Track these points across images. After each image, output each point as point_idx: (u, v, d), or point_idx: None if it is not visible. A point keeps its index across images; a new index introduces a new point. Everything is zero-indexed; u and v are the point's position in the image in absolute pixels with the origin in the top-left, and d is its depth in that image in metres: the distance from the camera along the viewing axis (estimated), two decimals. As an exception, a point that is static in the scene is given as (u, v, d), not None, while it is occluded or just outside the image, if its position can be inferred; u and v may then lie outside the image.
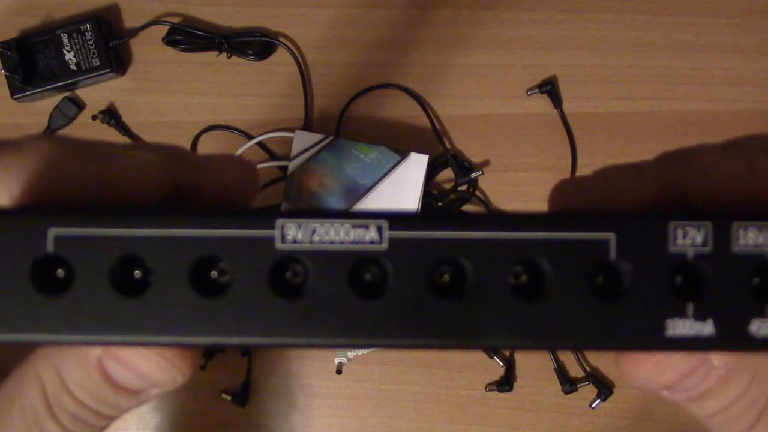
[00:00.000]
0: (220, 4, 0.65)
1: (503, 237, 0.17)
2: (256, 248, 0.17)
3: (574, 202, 0.21)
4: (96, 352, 0.18)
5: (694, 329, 0.17)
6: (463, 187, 0.63)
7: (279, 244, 0.17)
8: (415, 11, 0.65)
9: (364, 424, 0.63)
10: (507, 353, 0.63)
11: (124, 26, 0.65)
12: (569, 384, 0.62)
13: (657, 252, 0.17)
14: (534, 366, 0.63)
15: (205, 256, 0.17)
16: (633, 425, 0.63)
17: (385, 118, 0.64)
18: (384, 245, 0.17)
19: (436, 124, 0.64)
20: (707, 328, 0.17)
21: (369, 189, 0.62)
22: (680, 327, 0.17)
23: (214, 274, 0.17)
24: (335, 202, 0.62)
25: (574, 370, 0.63)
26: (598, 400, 0.62)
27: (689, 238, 0.17)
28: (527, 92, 0.64)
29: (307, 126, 0.64)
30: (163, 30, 0.64)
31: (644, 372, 0.19)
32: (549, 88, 0.63)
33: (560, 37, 0.65)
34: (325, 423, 0.63)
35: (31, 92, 0.62)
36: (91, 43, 0.62)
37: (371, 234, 0.17)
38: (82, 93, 0.65)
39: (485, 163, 0.64)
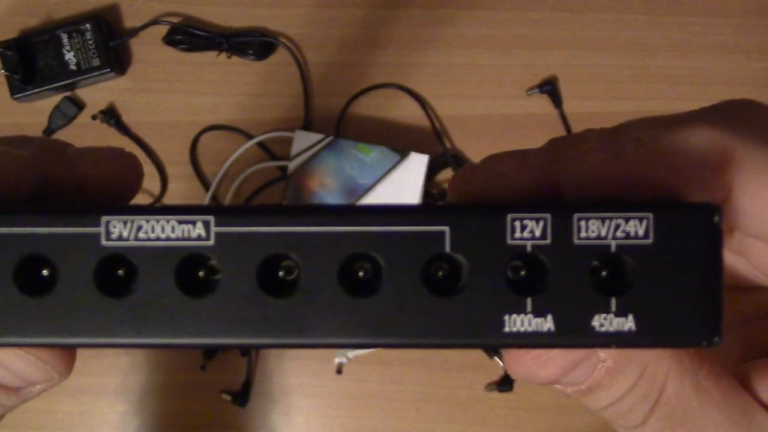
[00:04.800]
0: (220, 4, 0.65)
1: (334, 231, 0.17)
2: (81, 246, 0.17)
3: (465, 191, 0.20)
4: None
5: (533, 325, 0.17)
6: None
7: (104, 242, 0.17)
8: (416, 11, 0.65)
9: (364, 424, 0.63)
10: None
11: (124, 26, 0.65)
12: (569, 384, 0.62)
13: (494, 245, 0.17)
14: (534, 366, 0.63)
15: (32, 254, 0.17)
16: (633, 425, 0.63)
17: (385, 118, 0.64)
18: (211, 241, 0.17)
19: (436, 124, 0.64)
20: (547, 324, 0.17)
21: (369, 189, 0.62)
22: (518, 323, 0.17)
23: (45, 272, 0.17)
24: (335, 202, 0.62)
25: (574, 370, 0.63)
26: (598, 400, 0.62)
27: (528, 231, 0.16)
28: (527, 92, 0.64)
29: (307, 126, 0.64)
30: (163, 30, 0.64)
31: (524, 367, 0.18)
32: (549, 88, 0.63)
33: (560, 37, 0.65)
34: (325, 423, 0.63)
35: (31, 92, 0.62)
36: (91, 43, 0.62)
37: (198, 230, 0.17)
38: (82, 93, 0.65)
39: (485, 163, 0.64)
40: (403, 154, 0.62)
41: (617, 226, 0.16)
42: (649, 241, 0.16)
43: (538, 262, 0.17)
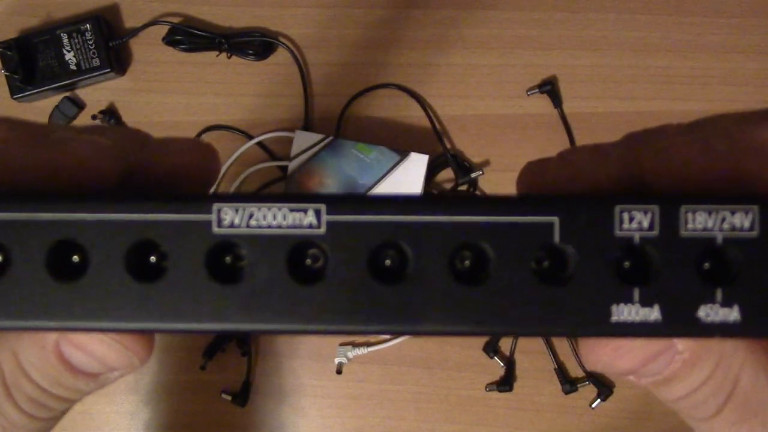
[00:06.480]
0: (220, 4, 0.65)
1: (444, 220, 0.17)
2: (193, 232, 0.17)
3: (538, 183, 0.21)
4: (52, 336, 0.18)
5: (640, 315, 0.17)
6: (464, 187, 0.63)
7: (216, 229, 0.17)
8: (415, 11, 0.65)
9: (364, 424, 0.63)
10: (507, 353, 0.63)
11: (124, 26, 0.65)
12: (569, 384, 0.62)
13: (602, 236, 0.17)
14: (534, 366, 0.63)
15: (142, 240, 0.17)
16: (633, 425, 0.63)
17: (385, 118, 0.64)
18: (322, 229, 0.17)
19: (436, 124, 0.64)
20: (653, 314, 0.17)
21: (369, 189, 0.62)
22: (626, 313, 0.17)
23: (153, 258, 0.17)
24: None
25: (574, 370, 0.63)
26: (598, 400, 0.62)
27: (635, 222, 0.17)
28: (527, 92, 0.64)
29: (307, 126, 0.64)
30: (163, 30, 0.64)
31: (604, 357, 0.18)
32: (549, 88, 0.63)
33: (560, 37, 0.65)
34: (325, 423, 0.63)
35: (31, 92, 0.62)
36: (91, 43, 0.62)
37: (309, 218, 0.17)
38: (82, 93, 0.65)
39: (485, 163, 0.64)
40: (403, 154, 0.62)
41: (723, 219, 0.17)
42: (755, 233, 0.17)
43: (645, 252, 0.17)
